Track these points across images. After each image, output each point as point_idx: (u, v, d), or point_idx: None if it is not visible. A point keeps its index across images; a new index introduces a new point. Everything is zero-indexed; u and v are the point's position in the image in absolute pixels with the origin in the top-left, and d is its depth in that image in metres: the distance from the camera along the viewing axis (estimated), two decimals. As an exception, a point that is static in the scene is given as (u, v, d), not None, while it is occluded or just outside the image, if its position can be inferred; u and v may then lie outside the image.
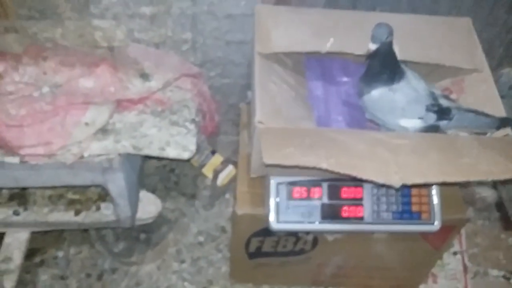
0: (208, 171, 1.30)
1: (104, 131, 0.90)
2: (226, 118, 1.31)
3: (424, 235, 0.95)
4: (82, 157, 0.86)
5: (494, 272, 1.21)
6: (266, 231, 0.92)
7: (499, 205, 1.31)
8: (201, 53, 1.12)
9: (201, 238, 1.24)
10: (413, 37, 0.85)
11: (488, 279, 1.20)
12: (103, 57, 0.97)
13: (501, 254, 1.24)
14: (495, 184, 1.32)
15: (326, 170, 0.64)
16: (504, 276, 1.21)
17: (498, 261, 1.23)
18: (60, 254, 1.19)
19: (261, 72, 0.80)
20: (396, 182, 0.64)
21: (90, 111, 0.89)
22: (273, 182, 0.85)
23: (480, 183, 1.31)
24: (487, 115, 0.78)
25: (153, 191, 1.28)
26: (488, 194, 1.31)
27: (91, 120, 0.88)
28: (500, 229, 1.29)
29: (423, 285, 1.17)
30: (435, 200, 0.87)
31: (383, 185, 0.66)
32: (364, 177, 0.64)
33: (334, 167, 0.64)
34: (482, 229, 1.29)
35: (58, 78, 0.92)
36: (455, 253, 1.24)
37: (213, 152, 1.30)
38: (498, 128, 0.78)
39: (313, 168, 0.64)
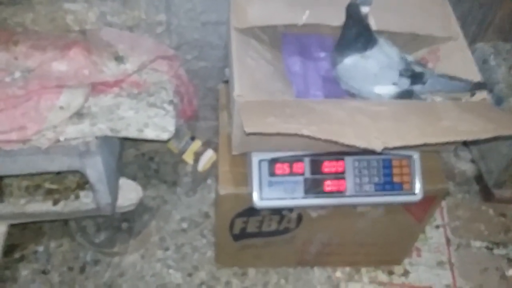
0: (188, 157, 1.29)
1: (79, 114, 0.87)
2: (204, 103, 1.29)
3: (407, 206, 0.96)
4: (58, 141, 0.83)
5: (477, 244, 1.23)
6: (250, 211, 0.92)
7: (478, 178, 1.33)
8: (177, 35, 1.10)
9: (184, 225, 1.23)
10: (388, 7, 0.85)
11: (471, 251, 1.22)
12: (75, 40, 0.94)
13: (482, 225, 1.27)
14: (473, 158, 1.34)
15: (307, 137, 0.64)
16: (486, 247, 1.23)
17: (480, 233, 1.25)
18: (40, 248, 1.17)
19: (238, 47, 0.79)
20: (378, 146, 0.64)
21: (64, 95, 0.86)
22: (255, 159, 0.85)
23: (459, 157, 1.33)
24: (460, 79, 0.79)
25: (133, 179, 1.25)
26: (467, 168, 1.34)
27: (65, 103, 0.86)
28: (481, 201, 1.32)
29: (407, 259, 1.18)
30: (416, 170, 0.88)
31: (363, 152, 0.66)
32: (346, 142, 0.64)
33: (316, 133, 0.63)
34: (462, 202, 1.32)
35: (30, 63, 0.89)
36: (437, 227, 1.26)
37: (193, 138, 1.29)
38: (472, 91, 0.78)
39: (295, 135, 0.63)
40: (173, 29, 1.09)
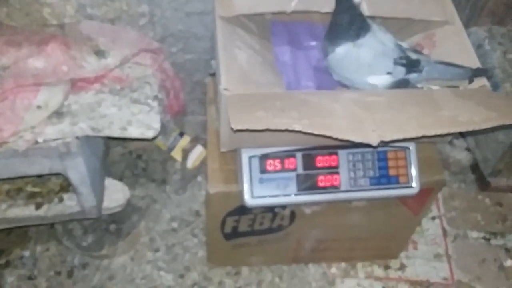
0: (177, 154, 1.25)
1: (59, 113, 0.83)
2: (192, 97, 1.25)
3: (403, 200, 0.93)
4: (36, 143, 0.79)
5: (474, 234, 1.21)
6: (241, 209, 0.88)
7: (474, 167, 1.31)
8: (161, 27, 1.06)
9: (174, 224, 1.19)
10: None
11: (468, 242, 1.20)
12: (53, 35, 0.89)
13: (479, 215, 1.24)
14: (468, 146, 1.31)
15: (299, 132, 0.60)
16: (484, 238, 1.21)
17: (477, 223, 1.23)
18: (26, 253, 1.13)
19: (224, 37, 0.74)
20: (374, 139, 0.60)
21: (42, 93, 0.81)
22: (244, 155, 0.81)
23: (454, 146, 1.30)
24: (458, 66, 0.75)
25: (120, 179, 1.21)
26: (462, 157, 1.31)
27: (43, 102, 0.81)
28: (477, 191, 1.29)
29: (404, 252, 1.16)
30: (413, 162, 0.85)
31: (359, 145, 0.62)
32: (340, 136, 0.60)
33: (308, 128, 0.59)
34: (458, 192, 1.29)
35: (4, 60, 0.84)
36: (433, 218, 1.23)
37: (181, 134, 1.24)
38: (470, 79, 0.75)
39: (285, 131, 0.59)
40: (156, 21, 1.05)
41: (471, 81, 0.75)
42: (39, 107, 0.80)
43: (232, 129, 0.58)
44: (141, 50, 0.96)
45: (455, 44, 0.78)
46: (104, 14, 1.00)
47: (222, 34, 0.75)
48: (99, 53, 0.91)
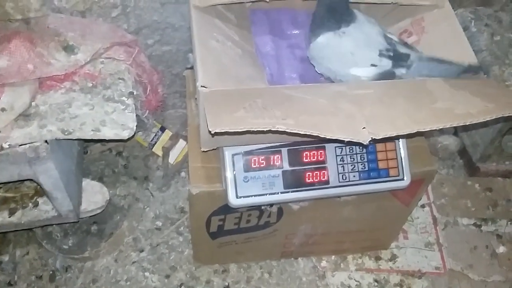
0: (159, 150, 1.21)
1: (26, 116, 0.77)
2: (172, 90, 1.21)
3: (394, 192, 0.90)
4: (1, 148, 0.73)
5: (464, 221, 1.19)
6: (226, 208, 0.84)
7: (462, 152, 1.29)
8: (135, 18, 1.00)
9: (159, 223, 1.15)
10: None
11: (459, 229, 1.18)
12: (16, 31, 0.83)
13: (469, 201, 1.22)
14: (456, 131, 1.29)
15: (283, 133, 0.56)
16: (475, 224, 1.19)
17: (467, 209, 1.21)
18: (5, 258, 1.09)
19: (200, 28, 0.69)
20: (365, 137, 0.56)
21: (6, 94, 0.76)
22: (227, 153, 0.77)
23: (441, 131, 1.28)
24: (450, 63, 0.71)
25: (100, 178, 1.18)
26: (450, 142, 1.28)
27: (8, 104, 0.75)
28: (466, 176, 1.27)
29: (394, 242, 1.13)
30: (403, 154, 0.82)
31: (348, 142, 0.58)
32: (328, 135, 0.56)
33: (293, 127, 0.55)
34: (447, 178, 1.27)
35: (-37, 60, 0.78)
36: (423, 206, 1.21)
37: (163, 129, 1.20)
38: (463, 75, 0.71)
39: (268, 132, 0.55)
40: (130, 12, 0.99)
41: (458, 77, 0.71)
42: (3, 109, 0.75)
43: (209, 132, 0.54)
44: (114, 43, 0.91)
45: (446, 29, 0.74)
46: (73, 7, 0.94)
47: (197, 25, 0.69)
48: (68, 49, 0.85)
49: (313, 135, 0.55)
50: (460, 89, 0.65)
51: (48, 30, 0.87)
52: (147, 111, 1.03)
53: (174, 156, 1.19)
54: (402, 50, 0.74)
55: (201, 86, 0.63)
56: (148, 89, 1.01)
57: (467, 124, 0.57)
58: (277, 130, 0.54)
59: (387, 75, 0.74)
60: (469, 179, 1.26)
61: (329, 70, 0.75)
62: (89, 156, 1.21)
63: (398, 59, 0.73)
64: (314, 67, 0.77)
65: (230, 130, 0.53)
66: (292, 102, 0.61)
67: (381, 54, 0.73)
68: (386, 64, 0.73)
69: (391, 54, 0.72)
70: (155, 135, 1.20)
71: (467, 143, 1.27)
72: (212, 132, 0.53)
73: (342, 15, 0.71)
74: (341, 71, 0.74)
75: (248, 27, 0.81)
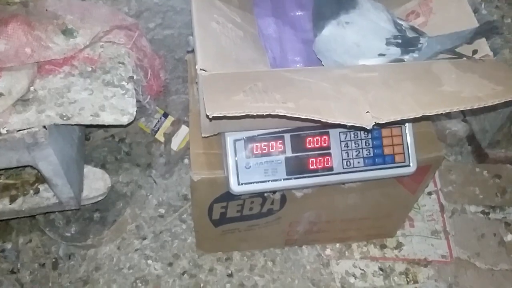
0: (162, 136, 1.19)
1: (24, 101, 0.76)
2: (175, 76, 1.18)
3: (399, 179, 0.88)
4: (-1, 134, 0.72)
5: (472, 208, 1.17)
6: (229, 195, 0.83)
7: (470, 138, 1.26)
8: (135, 1, 0.98)
9: (162, 210, 1.14)
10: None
11: (466, 217, 1.16)
12: (14, 14, 0.81)
13: (477, 189, 1.20)
14: (464, 117, 1.26)
15: (283, 117, 0.54)
16: (482, 212, 1.17)
17: (475, 196, 1.19)
18: (8, 246, 1.09)
19: (200, 10, 0.67)
20: (368, 122, 0.54)
21: (4, 79, 0.74)
22: (229, 139, 0.75)
23: (449, 116, 1.25)
24: (460, 31, 0.68)
25: (102, 165, 1.17)
26: (458, 128, 1.26)
27: (6, 89, 0.74)
28: (474, 163, 1.25)
29: (400, 230, 1.12)
30: (409, 139, 0.80)
31: (351, 127, 0.56)
32: (330, 119, 0.54)
33: (294, 111, 0.53)
34: (455, 165, 1.24)
35: (-40, 44, 0.77)
36: (429, 193, 1.19)
37: (166, 115, 1.18)
38: (474, 37, 0.67)
39: (268, 116, 0.53)
40: (130, -6, 0.97)
41: (471, 42, 0.67)
42: (1, 94, 0.73)
43: (207, 116, 0.52)
44: (114, 27, 0.89)
45: (454, 10, 0.71)
46: (72, -11, 0.92)
47: (197, 7, 0.67)
48: (67, 32, 0.83)
49: (314, 120, 0.53)
50: (468, 71, 0.62)
51: (46, 13, 0.85)
52: (149, 96, 1.02)
53: (177, 143, 1.18)
54: (411, 34, 0.71)
55: (200, 69, 0.61)
56: (149, 73, 0.99)
57: (475, 108, 0.55)
58: (277, 114, 0.53)
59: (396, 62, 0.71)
60: (477, 165, 1.24)
61: (336, 62, 0.73)
62: (92, 142, 1.20)
63: (408, 45, 0.70)
64: (321, 61, 0.74)
65: (228, 115, 0.51)
66: (294, 85, 0.59)
67: (388, 43, 0.70)
68: (395, 52, 0.71)
69: (399, 41, 0.69)
70: (158, 121, 1.19)
71: (475, 129, 1.24)
72: (210, 117, 0.51)
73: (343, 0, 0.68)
74: (348, 62, 0.72)
75: (250, 9, 0.79)
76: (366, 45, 0.71)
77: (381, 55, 0.71)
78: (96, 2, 0.95)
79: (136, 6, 0.99)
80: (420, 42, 0.71)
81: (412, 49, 0.71)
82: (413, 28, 0.74)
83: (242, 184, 0.75)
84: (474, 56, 0.67)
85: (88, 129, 1.18)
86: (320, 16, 0.70)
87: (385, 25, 0.71)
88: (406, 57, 0.71)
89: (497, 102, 0.56)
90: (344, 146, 0.78)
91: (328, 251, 1.09)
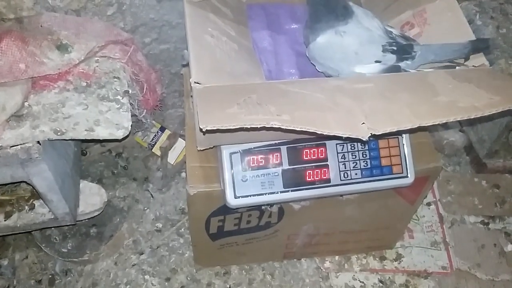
0: (159, 150, 1.18)
1: (18, 116, 0.75)
2: (171, 90, 1.18)
3: (398, 190, 0.87)
4: (-7, 150, 0.71)
5: (472, 219, 1.16)
6: (225, 209, 0.82)
7: (468, 148, 1.25)
8: (131, 16, 0.98)
9: (159, 224, 1.13)
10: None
11: (466, 227, 1.15)
12: (8, 30, 0.81)
13: (476, 199, 1.19)
14: (462, 127, 1.26)
15: (278, 129, 0.53)
16: (482, 222, 1.16)
17: (474, 207, 1.18)
18: (4, 262, 1.07)
19: (194, 22, 0.67)
20: (364, 133, 0.54)
21: (-2, 95, 0.74)
22: (225, 152, 0.75)
23: (447, 127, 1.25)
24: (455, 44, 0.68)
25: (99, 179, 1.16)
26: (456, 138, 1.25)
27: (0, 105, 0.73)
28: (472, 173, 1.24)
29: (399, 242, 1.11)
30: (406, 150, 0.79)
31: (347, 139, 0.56)
32: (326, 131, 0.53)
33: (289, 123, 0.53)
34: (453, 175, 1.24)
35: (-46, 60, 0.77)
36: (428, 204, 1.18)
37: (163, 129, 1.18)
38: (468, 54, 0.68)
39: (262, 129, 0.53)
40: (125, 10, 0.97)
41: (467, 58, 0.68)
42: (-5, 110, 0.73)
43: (201, 129, 0.51)
44: (109, 42, 0.89)
45: (449, 21, 0.71)
46: (68, 5, 0.92)
47: (191, 19, 0.67)
48: (62, 48, 0.83)
49: (309, 132, 0.53)
50: (464, 81, 0.62)
51: (41, 29, 0.85)
52: (145, 110, 1.01)
53: (174, 157, 1.17)
54: (403, 41, 0.71)
55: (195, 82, 0.60)
56: (145, 88, 0.99)
57: (472, 118, 0.54)
58: (271, 127, 0.52)
59: (392, 70, 0.71)
60: (476, 175, 1.23)
61: (331, 68, 0.73)
62: (88, 157, 1.19)
63: (402, 52, 0.70)
64: (315, 66, 0.74)
65: (221, 128, 0.51)
66: (288, 97, 0.59)
67: (384, 50, 0.71)
68: (391, 58, 0.71)
69: (394, 48, 0.70)
70: (155, 135, 1.18)
71: (473, 139, 1.24)
72: (204, 130, 0.51)
73: (339, 10, 0.68)
74: (345, 69, 0.72)
75: (245, 22, 0.79)
76: (364, 53, 0.71)
77: (377, 61, 0.72)
78: (91, 17, 0.95)
79: (131, 21, 0.99)
80: (414, 50, 0.71)
81: (406, 56, 0.71)
82: (403, 36, 0.75)
83: (238, 197, 0.75)
84: (465, 63, 0.67)
85: (84, 144, 1.17)
86: (317, 23, 0.70)
87: (379, 33, 0.71)
88: (401, 64, 0.71)
89: (494, 112, 0.56)
90: (341, 158, 0.77)
91: (327, 264, 1.08)
